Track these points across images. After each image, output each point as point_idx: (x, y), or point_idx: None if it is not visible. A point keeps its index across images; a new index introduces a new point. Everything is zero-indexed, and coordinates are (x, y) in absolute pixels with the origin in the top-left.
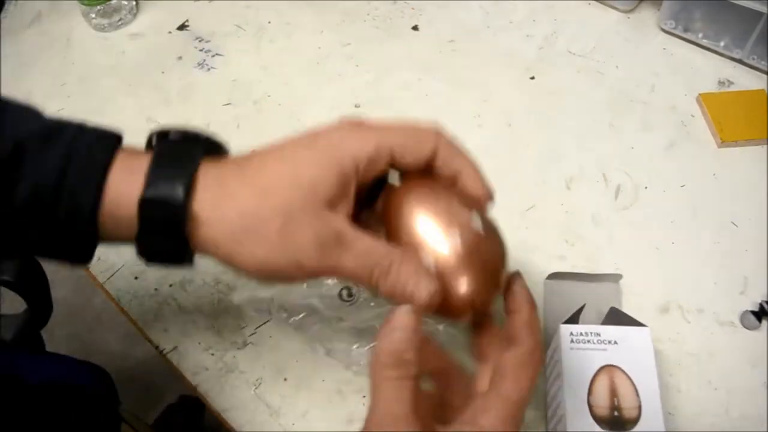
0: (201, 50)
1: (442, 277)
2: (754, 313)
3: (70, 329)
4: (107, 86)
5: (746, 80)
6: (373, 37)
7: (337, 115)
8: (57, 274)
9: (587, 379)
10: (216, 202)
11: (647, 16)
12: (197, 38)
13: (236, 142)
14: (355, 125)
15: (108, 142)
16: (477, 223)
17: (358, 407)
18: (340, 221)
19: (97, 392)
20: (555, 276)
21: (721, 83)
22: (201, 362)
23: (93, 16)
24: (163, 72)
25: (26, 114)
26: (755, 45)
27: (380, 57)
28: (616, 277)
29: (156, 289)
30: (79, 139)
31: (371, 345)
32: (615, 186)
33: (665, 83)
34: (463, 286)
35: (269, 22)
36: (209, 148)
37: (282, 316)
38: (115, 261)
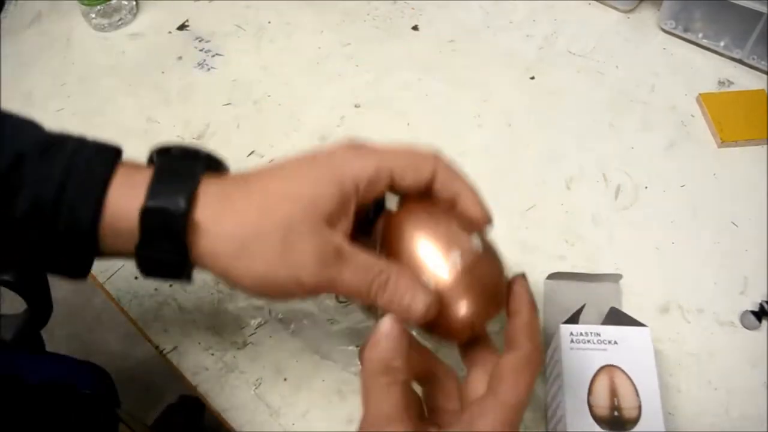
0: (201, 50)
1: (442, 300)
2: (754, 313)
3: (70, 329)
4: (107, 86)
5: (746, 80)
6: (373, 37)
7: (337, 115)
8: None
9: (587, 379)
10: (217, 216)
11: (647, 16)
12: (197, 38)
13: (236, 142)
14: (356, 147)
15: (107, 156)
16: (476, 246)
17: (358, 407)
18: (340, 238)
19: (97, 392)
20: (555, 276)
21: (721, 83)
22: (201, 362)
23: (93, 16)
24: (163, 72)
25: (26, 127)
26: (755, 45)
27: (380, 57)
28: (616, 277)
29: (156, 289)
30: (79, 152)
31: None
32: (615, 186)
33: (665, 83)
34: (462, 308)
35: (269, 22)
36: (209, 164)
37: (279, 318)
38: (115, 261)
